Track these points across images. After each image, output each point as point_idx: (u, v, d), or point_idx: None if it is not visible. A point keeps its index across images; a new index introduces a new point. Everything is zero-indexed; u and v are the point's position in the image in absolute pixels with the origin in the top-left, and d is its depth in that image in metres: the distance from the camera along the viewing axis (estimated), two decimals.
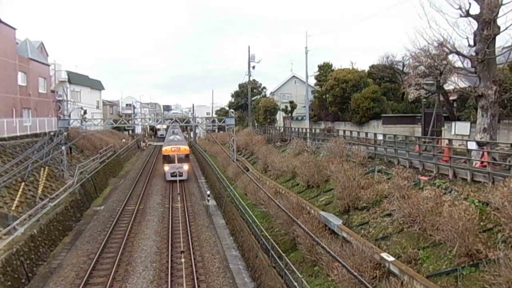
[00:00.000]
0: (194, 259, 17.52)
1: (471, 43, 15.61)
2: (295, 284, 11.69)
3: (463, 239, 9.29)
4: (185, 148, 38.32)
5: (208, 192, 29.06)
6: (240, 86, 70.64)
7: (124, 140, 58.75)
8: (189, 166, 38.97)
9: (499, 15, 14.68)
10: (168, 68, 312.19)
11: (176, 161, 34.83)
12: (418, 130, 27.70)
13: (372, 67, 42.86)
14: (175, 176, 33.06)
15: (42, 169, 25.29)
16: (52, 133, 29.77)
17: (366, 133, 24.67)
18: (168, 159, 36.23)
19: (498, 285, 7.87)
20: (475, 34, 15.26)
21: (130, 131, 77.70)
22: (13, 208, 19.00)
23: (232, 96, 75.57)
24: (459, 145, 16.64)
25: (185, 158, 37.37)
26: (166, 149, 37.41)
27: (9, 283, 14.20)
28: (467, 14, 15.11)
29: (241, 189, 25.38)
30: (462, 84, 21.07)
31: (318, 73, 49.02)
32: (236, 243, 20.09)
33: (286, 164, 23.88)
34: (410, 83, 20.67)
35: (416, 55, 19.09)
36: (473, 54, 15.74)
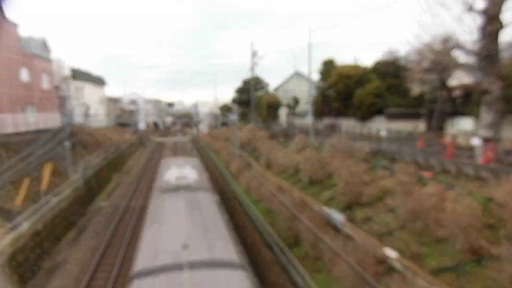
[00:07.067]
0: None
1: (475, 38, 15.54)
2: (298, 279, 11.72)
3: (466, 235, 9.30)
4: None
5: None
6: (244, 82, 70.49)
7: (127, 136, 58.86)
8: None
9: (503, 10, 14.60)
10: (171, 64, 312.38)
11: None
12: (421, 125, 27.62)
13: (375, 63, 42.69)
14: None
15: (46, 164, 25.41)
16: (55, 129, 29.88)
17: (369, 129, 24.61)
18: None
19: (501, 281, 7.88)
20: (479, 30, 15.17)
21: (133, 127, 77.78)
22: (17, 204, 19.14)
23: (236, 92, 75.41)
24: (463, 141, 16.58)
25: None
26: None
27: (14, 278, 14.33)
28: (471, 9, 15.02)
29: (244, 185, 25.42)
30: (466, 79, 20.98)
31: (321, 69, 48.87)
32: (239, 238, 20.13)
33: (289, 160, 23.88)
34: (414, 78, 20.60)
35: (420, 50, 19.03)
36: (477, 49, 15.66)
